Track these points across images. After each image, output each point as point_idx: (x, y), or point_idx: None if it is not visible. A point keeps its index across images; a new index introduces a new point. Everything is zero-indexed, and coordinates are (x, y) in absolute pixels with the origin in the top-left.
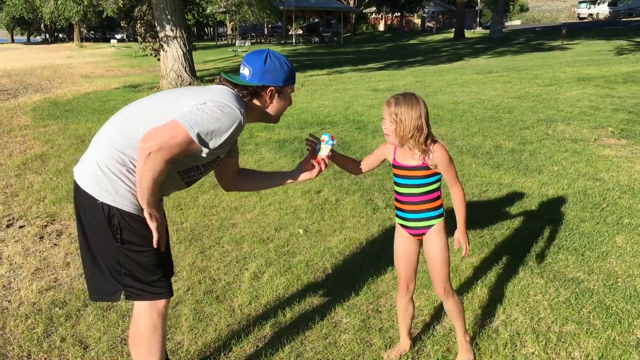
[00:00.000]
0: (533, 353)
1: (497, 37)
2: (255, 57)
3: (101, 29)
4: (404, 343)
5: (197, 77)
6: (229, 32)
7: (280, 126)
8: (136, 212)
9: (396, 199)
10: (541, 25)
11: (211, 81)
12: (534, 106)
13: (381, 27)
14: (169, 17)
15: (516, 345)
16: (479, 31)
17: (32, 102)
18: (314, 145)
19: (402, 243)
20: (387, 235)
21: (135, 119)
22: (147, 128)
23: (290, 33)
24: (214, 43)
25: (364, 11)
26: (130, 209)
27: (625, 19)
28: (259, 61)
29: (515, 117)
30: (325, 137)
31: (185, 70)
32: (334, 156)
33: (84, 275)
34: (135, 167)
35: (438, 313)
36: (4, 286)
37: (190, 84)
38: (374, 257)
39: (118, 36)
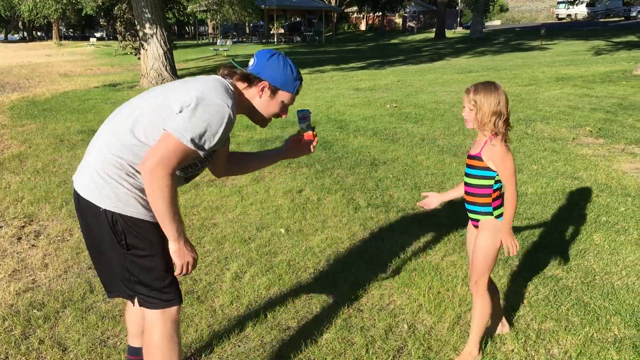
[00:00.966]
0: (512, 350)
1: (477, 37)
2: (265, 52)
3: (80, 28)
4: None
5: (178, 76)
6: (210, 31)
7: None
8: (138, 216)
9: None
10: (521, 26)
11: None
12: (514, 106)
13: (363, 27)
14: (148, 15)
15: (496, 343)
16: (459, 31)
17: (10, 101)
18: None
19: (469, 231)
20: (369, 234)
21: (127, 119)
22: (138, 128)
23: (272, 32)
24: (195, 42)
25: (345, 10)
26: (132, 214)
27: (602, 20)
28: (266, 55)
29: None
30: (301, 114)
31: (166, 69)
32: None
33: (97, 275)
34: (134, 170)
35: (418, 311)
36: None
37: None
38: (356, 256)
39: (97, 34)
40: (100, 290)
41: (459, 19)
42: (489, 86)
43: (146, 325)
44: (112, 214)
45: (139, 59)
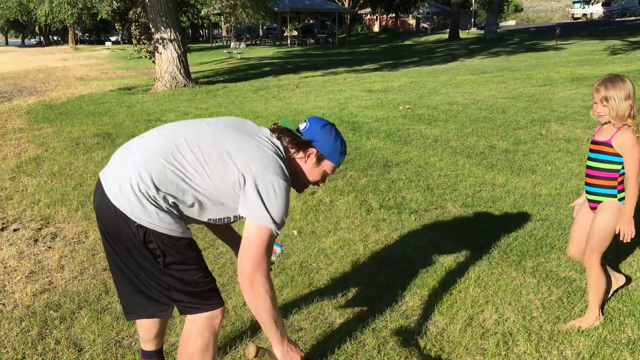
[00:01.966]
0: (525, 352)
1: (491, 38)
2: (318, 120)
3: (96, 32)
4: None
5: (192, 79)
6: (224, 33)
7: None
8: (175, 234)
9: (585, 173)
10: (535, 26)
11: (206, 83)
12: (528, 106)
13: (376, 28)
14: (163, 19)
15: (508, 344)
16: (473, 31)
17: (27, 104)
18: None
19: (582, 214)
20: (381, 236)
21: (186, 155)
22: (199, 173)
23: (285, 34)
24: (208, 45)
25: (358, 12)
26: (169, 232)
27: (619, 19)
28: (319, 124)
29: (509, 117)
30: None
31: (180, 72)
32: None
33: (118, 295)
34: (174, 197)
35: (430, 314)
36: None
37: (185, 87)
38: (368, 258)
39: (113, 38)
40: (115, 291)
41: (473, 19)
42: (617, 81)
43: (183, 332)
44: (146, 230)
45: (153, 62)
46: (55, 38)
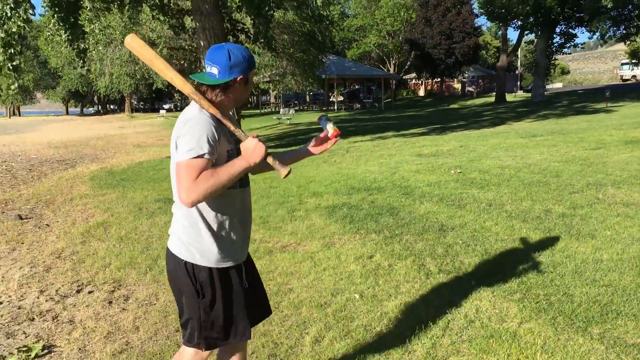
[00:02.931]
0: None
1: (539, 101)
2: (218, 54)
3: (150, 100)
4: None
5: None
6: (272, 100)
7: (328, 192)
8: (208, 264)
9: None
10: (583, 88)
11: None
12: (582, 170)
13: (421, 92)
14: None
15: None
16: (520, 94)
17: (90, 171)
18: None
19: None
20: (443, 301)
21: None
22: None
23: (331, 99)
24: (258, 111)
25: (403, 77)
26: (204, 263)
27: None
28: (224, 57)
29: (564, 181)
30: (323, 120)
31: None
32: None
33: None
34: (207, 216)
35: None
36: (80, 349)
37: None
38: (431, 323)
39: (166, 106)
40: None
41: (519, 82)
42: None
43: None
44: (186, 263)
45: None
46: (112, 107)
